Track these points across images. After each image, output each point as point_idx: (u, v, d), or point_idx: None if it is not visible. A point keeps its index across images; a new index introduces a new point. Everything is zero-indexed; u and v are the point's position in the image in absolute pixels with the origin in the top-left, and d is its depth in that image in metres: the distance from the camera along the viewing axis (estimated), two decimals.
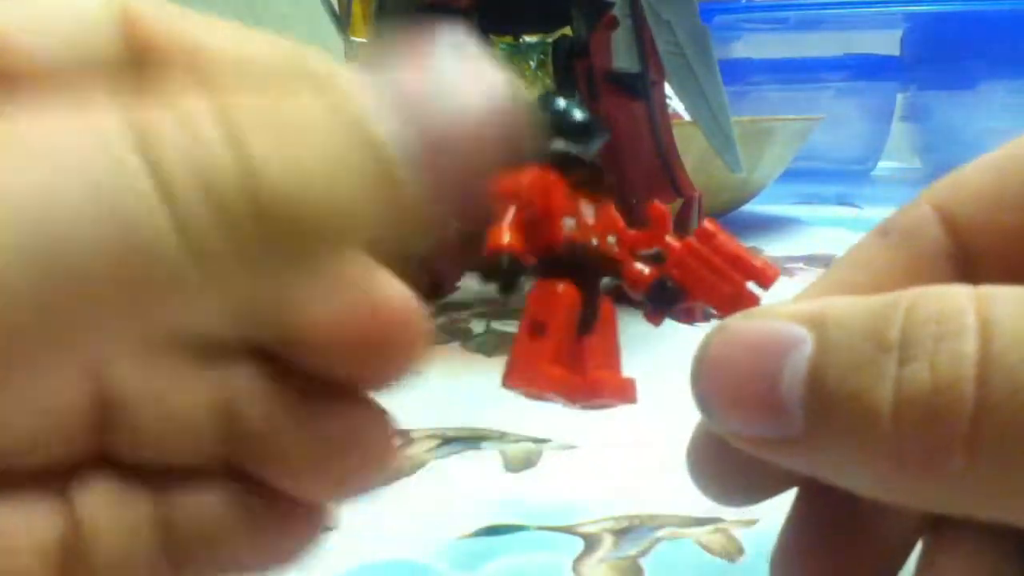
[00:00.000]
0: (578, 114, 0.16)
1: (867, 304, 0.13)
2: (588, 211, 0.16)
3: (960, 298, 0.12)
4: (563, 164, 0.16)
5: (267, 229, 0.10)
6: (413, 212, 0.10)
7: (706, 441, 0.17)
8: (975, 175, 0.16)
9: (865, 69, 1.07)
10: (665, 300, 0.17)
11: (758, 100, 1.02)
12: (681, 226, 0.52)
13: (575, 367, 0.16)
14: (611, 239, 0.17)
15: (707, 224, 0.17)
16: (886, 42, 1.10)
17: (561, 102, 0.16)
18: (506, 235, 0.15)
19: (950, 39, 1.04)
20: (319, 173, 0.10)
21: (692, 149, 0.61)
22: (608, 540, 0.26)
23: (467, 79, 0.11)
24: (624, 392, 0.17)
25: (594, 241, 0.16)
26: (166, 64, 0.13)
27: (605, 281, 0.17)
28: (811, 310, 0.13)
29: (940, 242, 0.16)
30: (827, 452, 0.13)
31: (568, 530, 0.27)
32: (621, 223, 0.17)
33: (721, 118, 0.49)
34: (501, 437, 0.34)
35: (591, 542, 0.26)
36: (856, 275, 0.16)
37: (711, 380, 0.14)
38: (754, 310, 0.14)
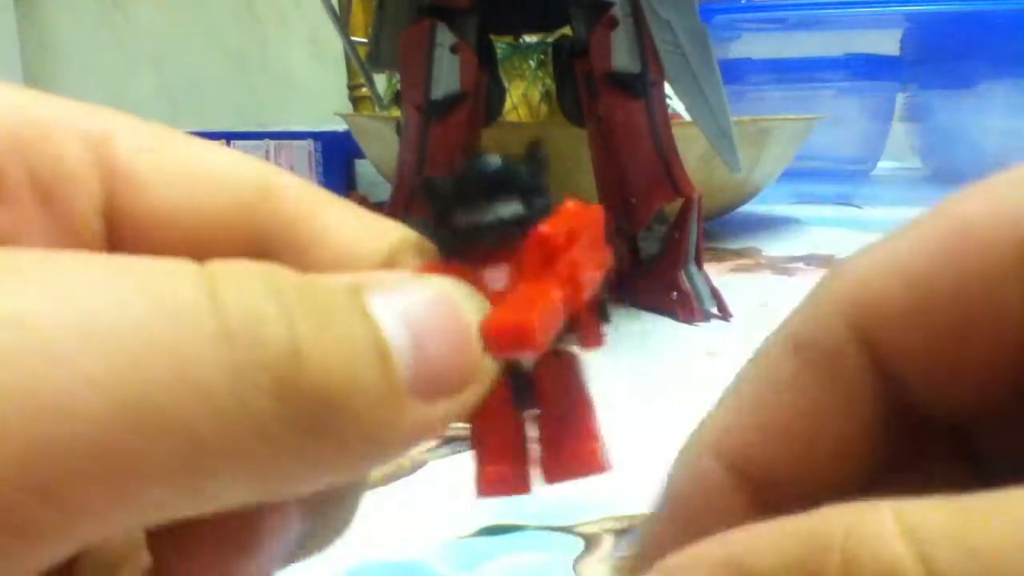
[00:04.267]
0: (490, 164, 0.14)
1: (793, 554, 0.11)
2: (497, 276, 0.14)
3: (897, 547, 0.10)
4: (459, 239, 0.14)
5: (298, 406, 0.11)
6: (404, 422, 0.12)
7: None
8: (897, 290, 0.14)
9: (865, 69, 1.07)
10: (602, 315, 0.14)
11: (758, 100, 1.02)
12: (681, 226, 0.52)
13: (547, 443, 0.15)
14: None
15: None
16: (886, 42, 1.10)
17: (470, 164, 0.14)
18: None
19: (950, 39, 1.04)
20: (346, 362, 0.11)
21: (692, 149, 0.61)
22: (608, 540, 0.26)
23: (445, 331, 0.12)
24: (589, 464, 0.14)
25: None
26: (283, 250, 0.15)
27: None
28: (730, 557, 0.11)
29: (860, 366, 0.14)
30: None
31: (568, 530, 0.27)
32: (544, 263, 0.14)
33: (721, 118, 0.49)
34: None
35: (591, 542, 0.26)
36: (772, 401, 0.14)
37: None
38: (667, 562, 0.12)
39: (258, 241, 0.16)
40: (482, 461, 0.14)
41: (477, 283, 0.14)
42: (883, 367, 0.14)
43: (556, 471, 0.14)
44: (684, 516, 0.14)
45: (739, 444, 0.14)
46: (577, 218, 0.14)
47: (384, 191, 0.76)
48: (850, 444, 0.14)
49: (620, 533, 0.26)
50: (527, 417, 0.14)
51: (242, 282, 0.11)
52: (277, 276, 0.11)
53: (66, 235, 0.15)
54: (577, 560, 0.25)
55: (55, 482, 0.09)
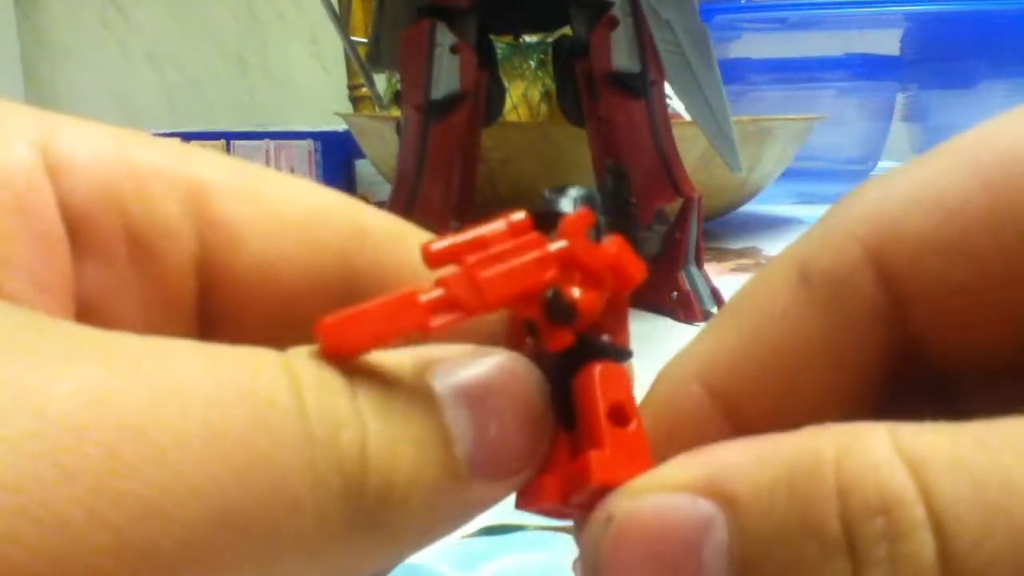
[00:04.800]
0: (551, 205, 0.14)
1: (778, 472, 0.10)
2: None
3: (897, 477, 0.10)
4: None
5: (359, 506, 0.11)
6: (466, 504, 0.12)
7: None
8: (915, 215, 0.13)
9: (865, 69, 1.07)
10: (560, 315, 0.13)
11: (758, 100, 1.02)
12: (681, 226, 0.52)
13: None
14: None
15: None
16: (886, 42, 1.10)
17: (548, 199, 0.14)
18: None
19: (950, 39, 1.04)
20: (409, 459, 0.11)
21: (692, 149, 0.61)
22: None
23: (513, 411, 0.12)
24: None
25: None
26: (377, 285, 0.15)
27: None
28: (708, 477, 0.11)
29: (871, 298, 0.13)
30: None
31: (568, 530, 0.27)
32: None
33: (721, 118, 0.49)
34: None
35: None
36: (768, 330, 0.13)
37: (603, 566, 0.11)
38: (636, 483, 0.12)
39: (352, 286, 0.15)
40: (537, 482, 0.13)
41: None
42: (898, 302, 0.13)
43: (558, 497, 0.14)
44: (662, 441, 0.13)
45: (726, 371, 0.14)
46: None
47: (384, 191, 0.76)
48: (842, 383, 0.13)
49: None
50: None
51: (321, 379, 0.11)
52: (350, 368, 0.12)
53: (160, 291, 0.15)
54: (577, 560, 0.25)
55: None
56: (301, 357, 0.12)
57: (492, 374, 0.12)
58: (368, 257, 0.15)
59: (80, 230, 0.14)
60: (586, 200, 0.14)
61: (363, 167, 0.90)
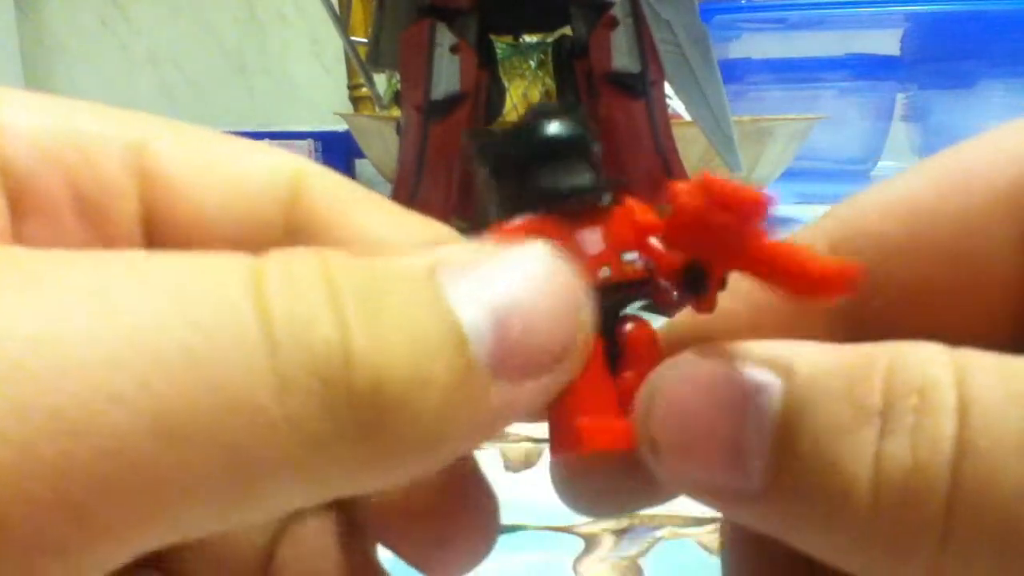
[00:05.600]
0: (561, 130, 0.14)
1: (842, 359, 0.12)
2: (592, 239, 0.14)
3: (941, 368, 0.11)
4: (551, 200, 0.14)
5: (346, 412, 0.10)
6: (487, 408, 0.11)
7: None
8: (875, 218, 0.14)
9: (865, 69, 1.07)
10: (699, 284, 0.14)
11: (758, 100, 1.02)
12: None
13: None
14: (629, 256, 0.14)
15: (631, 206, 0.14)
16: (886, 42, 1.10)
17: (546, 124, 0.14)
18: None
19: (950, 39, 1.04)
20: (405, 357, 0.10)
21: (692, 149, 0.61)
22: (608, 540, 0.26)
23: (546, 292, 0.12)
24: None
25: (604, 272, 0.14)
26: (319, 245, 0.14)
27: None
28: (779, 354, 0.12)
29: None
30: (789, 514, 0.12)
31: (568, 530, 0.27)
32: (636, 232, 0.14)
33: (721, 118, 0.49)
34: (501, 437, 0.34)
35: (591, 542, 0.26)
36: (742, 312, 0.15)
37: (664, 423, 0.12)
38: (711, 346, 0.13)
39: (294, 238, 0.16)
40: (574, 415, 0.13)
41: (574, 246, 0.13)
42: (860, 295, 0.14)
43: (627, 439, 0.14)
44: None
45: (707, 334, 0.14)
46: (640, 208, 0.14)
47: (384, 191, 0.76)
48: None
49: (620, 533, 0.26)
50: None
51: (292, 280, 0.10)
52: (332, 267, 0.11)
53: (106, 246, 0.15)
54: (577, 560, 0.25)
55: (84, 501, 0.09)
56: (278, 263, 0.11)
57: (521, 269, 0.12)
58: (305, 207, 0.16)
59: (23, 190, 0.15)
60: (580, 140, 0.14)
61: (363, 167, 0.90)
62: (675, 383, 0.13)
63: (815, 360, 0.12)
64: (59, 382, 0.09)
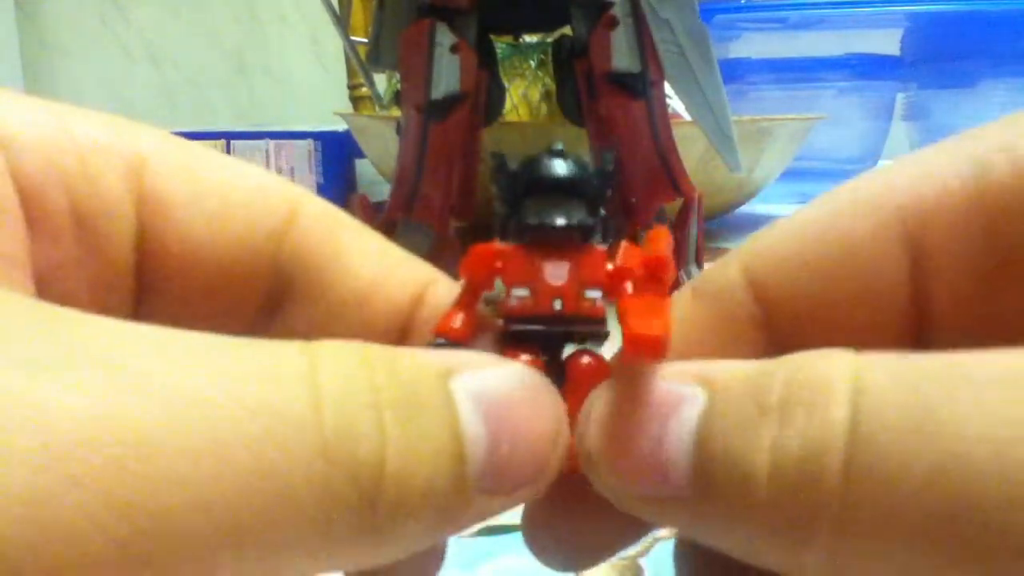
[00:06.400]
0: (556, 169, 0.15)
1: (750, 367, 0.13)
2: (557, 272, 0.15)
3: (836, 366, 0.12)
4: (529, 231, 0.15)
5: (372, 516, 0.11)
6: (467, 515, 0.13)
7: (542, 509, 0.16)
8: (780, 241, 0.16)
9: (865, 69, 1.07)
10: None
11: (758, 100, 1.02)
12: (681, 226, 0.52)
13: None
14: (592, 293, 0.15)
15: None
16: (886, 42, 1.10)
17: (546, 162, 0.15)
18: (455, 319, 0.15)
19: (950, 39, 1.04)
20: (426, 472, 0.12)
21: (692, 149, 0.61)
22: None
23: (533, 416, 0.13)
24: None
25: (556, 304, 0.15)
26: (307, 279, 0.16)
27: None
28: (699, 370, 0.13)
29: (746, 306, 0.16)
30: (710, 514, 0.13)
31: None
32: (611, 274, 0.15)
33: (721, 118, 0.49)
34: None
35: None
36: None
37: (598, 436, 0.13)
38: (642, 368, 0.14)
39: (283, 269, 0.16)
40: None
41: (536, 274, 0.15)
42: (765, 308, 0.16)
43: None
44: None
45: None
46: (657, 241, 0.15)
47: (384, 191, 0.76)
48: None
49: None
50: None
51: (345, 388, 0.11)
52: (377, 369, 0.12)
53: (104, 267, 0.15)
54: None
55: (148, 558, 0.10)
56: (330, 359, 0.12)
57: (512, 384, 0.13)
58: (296, 239, 0.16)
59: (30, 207, 0.14)
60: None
61: (363, 167, 0.90)
62: (608, 401, 0.13)
63: (731, 371, 0.13)
64: (158, 487, 0.10)
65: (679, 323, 0.15)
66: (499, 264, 0.15)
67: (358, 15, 0.92)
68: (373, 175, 0.86)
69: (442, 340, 0.15)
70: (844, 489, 0.11)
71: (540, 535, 0.16)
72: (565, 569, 0.17)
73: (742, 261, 0.16)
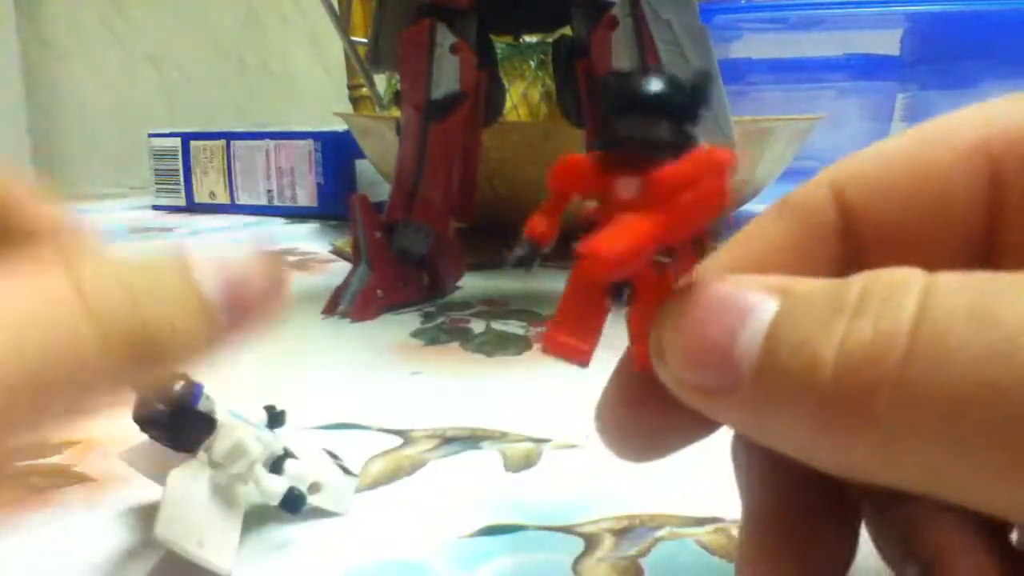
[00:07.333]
0: (652, 85, 0.15)
1: (830, 280, 0.14)
2: (628, 187, 0.15)
3: (912, 273, 0.13)
4: (615, 143, 0.15)
5: (137, 348, 0.14)
6: (220, 336, 0.16)
7: (616, 397, 0.18)
8: (870, 164, 0.17)
9: (865, 69, 1.07)
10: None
11: (758, 100, 1.02)
12: None
13: (633, 338, 0.17)
14: None
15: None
16: (886, 42, 1.10)
17: (642, 80, 0.15)
18: (540, 223, 0.16)
19: (950, 39, 1.04)
20: (172, 316, 0.15)
21: None
22: (608, 540, 0.26)
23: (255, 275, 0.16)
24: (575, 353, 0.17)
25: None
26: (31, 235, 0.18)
27: None
28: (779, 282, 0.14)
29: (831, 222, 0.17)
30: (766, 404, 0.13)
31: (568, 530, 0.27)
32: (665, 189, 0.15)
33: (721, 118, 0.49)
34: (501, 437, 0.34)
35: (591, 542, 0.26)
36: (750, 246, 0.18)
37: (673, 327, 0.15)
38: (725, 277, 0.15)
39: None
40: (557, 326, 0.16)
41: (608, 187, 0.15)
42: (850, 225, 0.17)
43: (642, 362, 0.16)
44: None
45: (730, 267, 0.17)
46: (706, 163, 0.15)
47: (384, 191, 0.76)
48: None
49: (620, 533, 0.26)
50: (616, 309, 0.16)
51: (97, 275, 0.14)
52: (122, 268, 0.15)
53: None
54: (577, 560, 0.25)
55: None
56: (83, 265, 0.14)
57: (239, 257, 0.16)
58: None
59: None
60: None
61: (363, 167, 0.90)
62: (688, 298, 0.15)
63: (811, 283, 0.14)
64: None
65: (761, 237, 0.17)
66: (579, 175, 0.16)
67: (358, 15, 0.92)
68: (373, 175, 0.86)
69: (528, 241, 0.16)
70: (905, 364, 0.12)
71: (612, 428, 0.18)
72: (634, 459, 0.18)
73: (833, 178, 0.17)
